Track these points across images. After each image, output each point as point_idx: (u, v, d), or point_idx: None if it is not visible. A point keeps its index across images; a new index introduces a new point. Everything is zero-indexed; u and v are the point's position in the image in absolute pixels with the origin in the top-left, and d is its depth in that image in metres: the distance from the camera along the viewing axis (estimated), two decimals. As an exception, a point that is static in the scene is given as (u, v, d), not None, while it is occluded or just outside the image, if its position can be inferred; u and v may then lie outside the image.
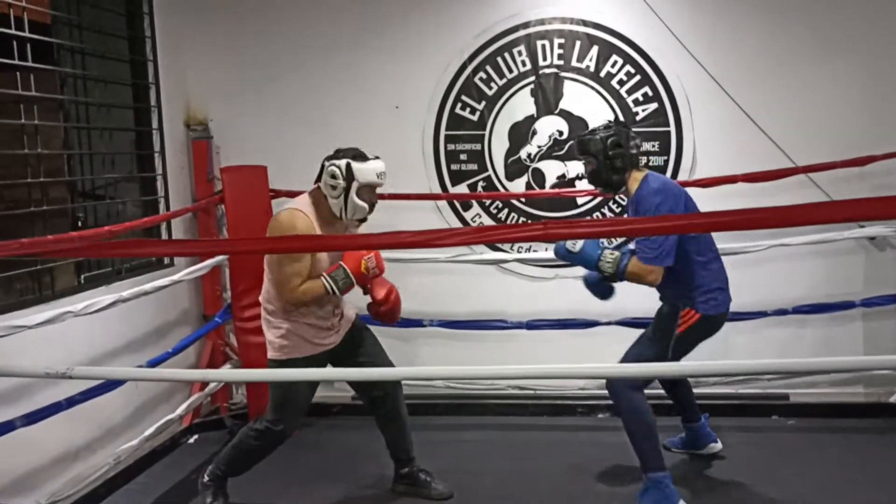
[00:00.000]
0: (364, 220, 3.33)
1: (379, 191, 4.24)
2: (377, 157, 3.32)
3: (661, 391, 3.90)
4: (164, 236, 4.34)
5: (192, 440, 4.41)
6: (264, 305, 3.38)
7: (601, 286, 3.58)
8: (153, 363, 3.89)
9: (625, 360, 3.48)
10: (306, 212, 3.26)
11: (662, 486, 3.36)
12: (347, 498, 3.68)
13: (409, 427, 3.62)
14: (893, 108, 4.14)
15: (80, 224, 3.86)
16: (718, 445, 3.88)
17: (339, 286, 3.25)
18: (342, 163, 3.24)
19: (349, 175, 3.23)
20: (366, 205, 3.27)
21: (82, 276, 3.80)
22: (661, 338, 3.44)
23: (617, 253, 3.35)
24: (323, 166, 3.30)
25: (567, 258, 3.41)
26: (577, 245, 3.36)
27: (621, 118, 4.38)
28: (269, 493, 3.75)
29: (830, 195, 4.15)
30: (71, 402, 3.31)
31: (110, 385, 3.47)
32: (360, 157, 3.28)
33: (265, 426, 3.39)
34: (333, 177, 3.24)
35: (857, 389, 4.38)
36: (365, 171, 3.24)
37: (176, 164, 4.53)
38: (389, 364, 3.56)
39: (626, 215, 3.66)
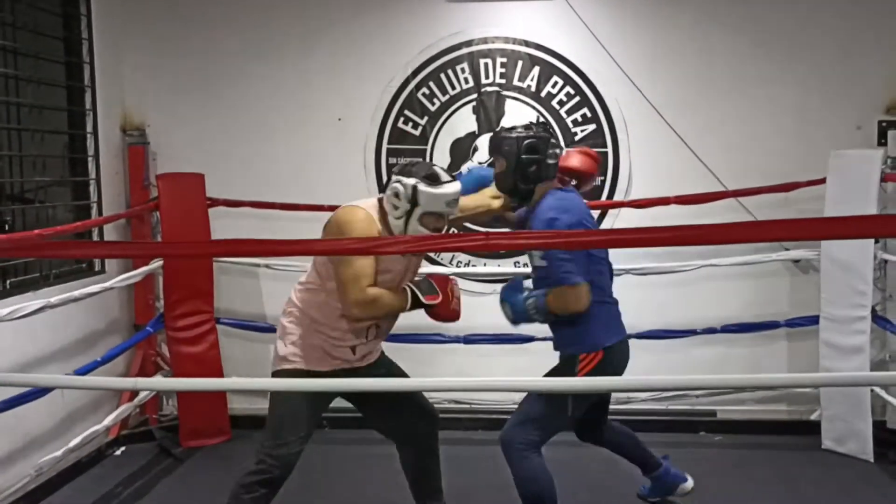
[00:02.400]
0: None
1: (320, 202, 4.27)
2: (452, 179, 2.89)
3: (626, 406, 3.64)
4: (96, 243, 4.24)
5: (118, 452, 4.29)
6: (288, 310, 3.00)
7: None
8: (81, 372, 3.79)
9: (514, 420, 3.17)
10: (370, 212, 2.90)
11: None
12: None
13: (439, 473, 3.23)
14: (818, 138, 4.32)
15: (6, 227, 3.74)
16: (690, 483, 3.58)
17: (421, 292, 2.88)
18: (409, 182, 2.82)
19: (413, 199, 2.82)
20: (428, 232, 2.86)
21: (8, 282, 3.68)
22: (555, 395, 3.10)
23: (532, 298, 3.04)
24: (390, 176, 2.92)
25: (517, 323, 3.19)
26: (507, 313, 3.13)
27: (549, 122, 4.33)
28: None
29: (757, 219, 4.30)
30: (-8, 410, 3.21)
31: (35, 394, 3.36)
32: (433, 179, 2.84)
33: (263, 457, 2.93)
34: (396, 195, 2.83)
35: (780, 407, 4.53)
36: (433, 197, 2.82)
37: (110, 170, 4.44)
38: (417, 406, 3.16)
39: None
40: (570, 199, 3.10)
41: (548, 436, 3.14)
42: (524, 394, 4.43)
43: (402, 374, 3.20)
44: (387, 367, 3.16)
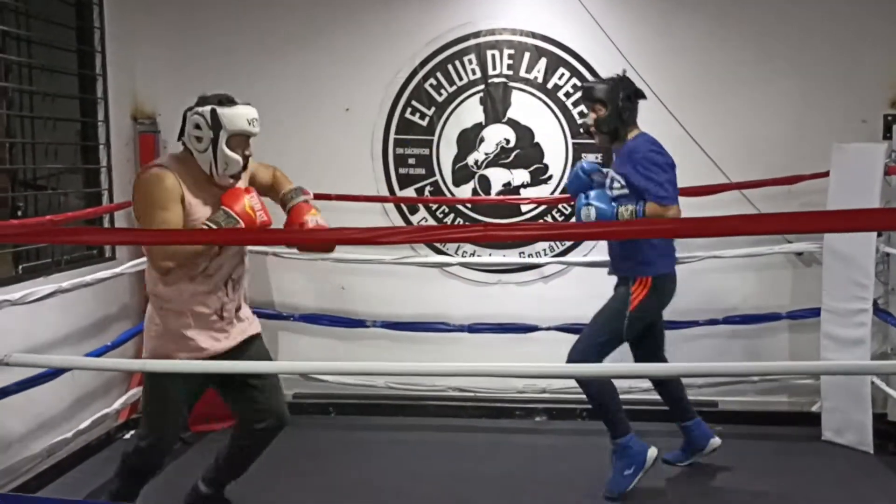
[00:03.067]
0: (237, 177, 2.91)
1: (327, 191, 4.32)
2: (248, 104, 2.91)
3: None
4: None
5: (128, 436, 4.36)
6: (148, 292, 2.97)
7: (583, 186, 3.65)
8: (91, 356, 3.85)
9: (579, 344, 3.61)
10: (172, 169, 2.85)
11: (631, 445, 3.57)
12: None
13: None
14: (822, 132, 4.33)
15: (19, 213, 3.80)
16: (718, 440, 3.87)
17: (219, 227, 2.82)
18: (206, 110, 2.82)
19: (215, 123, 2.80)
20: (238, 157, 2.85)
21: (20, 267, 3.75)
22: (613, 319, 3.56)
23: (631, 207, 3.46)
24: (185, 118, 2.88)
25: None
26: (591, 215, 3.47)
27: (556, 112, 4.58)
28: None
29: (761, 211, 4.33)
30: (5, 392, 3.27)
31: (46, 376, 3.43)
32: (227, 101, 2.85)
33: (136, 442, 3.05)
34: (197, 127, 2.82)
35: (781, 398, 4.57)
36: (233, 116, 2.82)
37: (121, 157, 4.49)
38: (279, 401, 3.13)
39: (609, 170, 3.66)
40: (657, 140, 3.60)
41: (605, 356, 3.60)
42: (527, 380, 4.53)
43: (269, 359, 3.21)
44: (258, 349, 3.11)
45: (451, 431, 4.49)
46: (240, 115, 2.84)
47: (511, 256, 4.65)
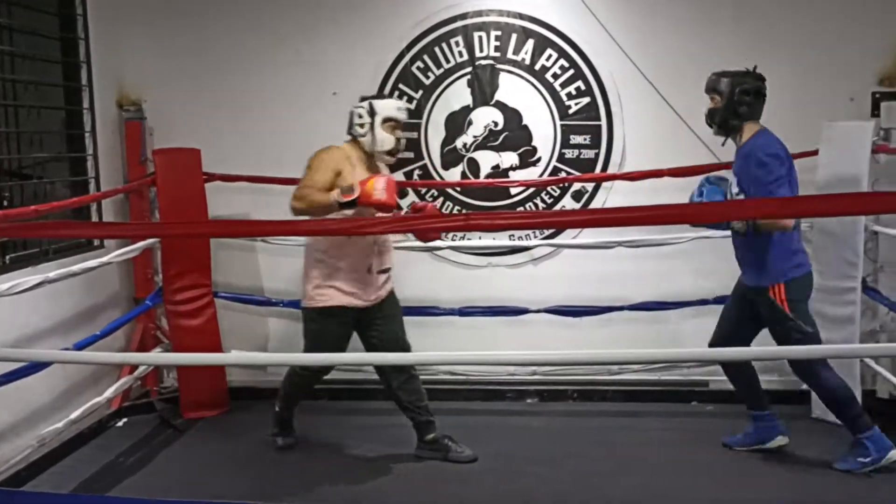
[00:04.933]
0: (393, 154, 3.67)
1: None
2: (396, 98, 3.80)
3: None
4: (94, 218, 4.28)
5: (120, 423, 4.37)
6: (307, 251, 3.65)
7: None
8: (80, 346, 3.84)
9: (798, 366, 3.64)
10: (344, 149, 3.64)
11: (875, 439, 3.58)
12: (276, 481, 3.71)
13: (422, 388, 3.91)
14: (811, 110, 4.30)
15: (4, 204, 3.78)
16: (786, 439, 3.87)
17: (342, 191, 3.41)
18: (365, 103, 3.64)
19: (371, 111, 3.60)
20: (390, 136, 3.60)
21: (7, 257, 3.73)
22: (794, 324, 3.51)
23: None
24: (350, 114, 3.66)
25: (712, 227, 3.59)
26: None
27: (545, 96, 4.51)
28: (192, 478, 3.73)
29: (751, 191, 4.32)
30: (-7, 383, 3.26)
31: (35, 367, 3.41)
32: (381, 96, 3.74)
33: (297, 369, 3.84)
34: (360, 115, 3.62)
35: (772, 377, 4.56)
36: (384, 105, 3.63)
37: (107, 145, 4.47)
38: (403, 343, 3.81)
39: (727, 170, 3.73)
40: (779, 141, 3.56)
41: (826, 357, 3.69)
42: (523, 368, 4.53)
43: (400, 312, 3.85)
44: (390, 308, 3.81)
45: (443, 414, 4.46)
46: (389, 104, 3.67)
47: (501, 239, 4.64)
